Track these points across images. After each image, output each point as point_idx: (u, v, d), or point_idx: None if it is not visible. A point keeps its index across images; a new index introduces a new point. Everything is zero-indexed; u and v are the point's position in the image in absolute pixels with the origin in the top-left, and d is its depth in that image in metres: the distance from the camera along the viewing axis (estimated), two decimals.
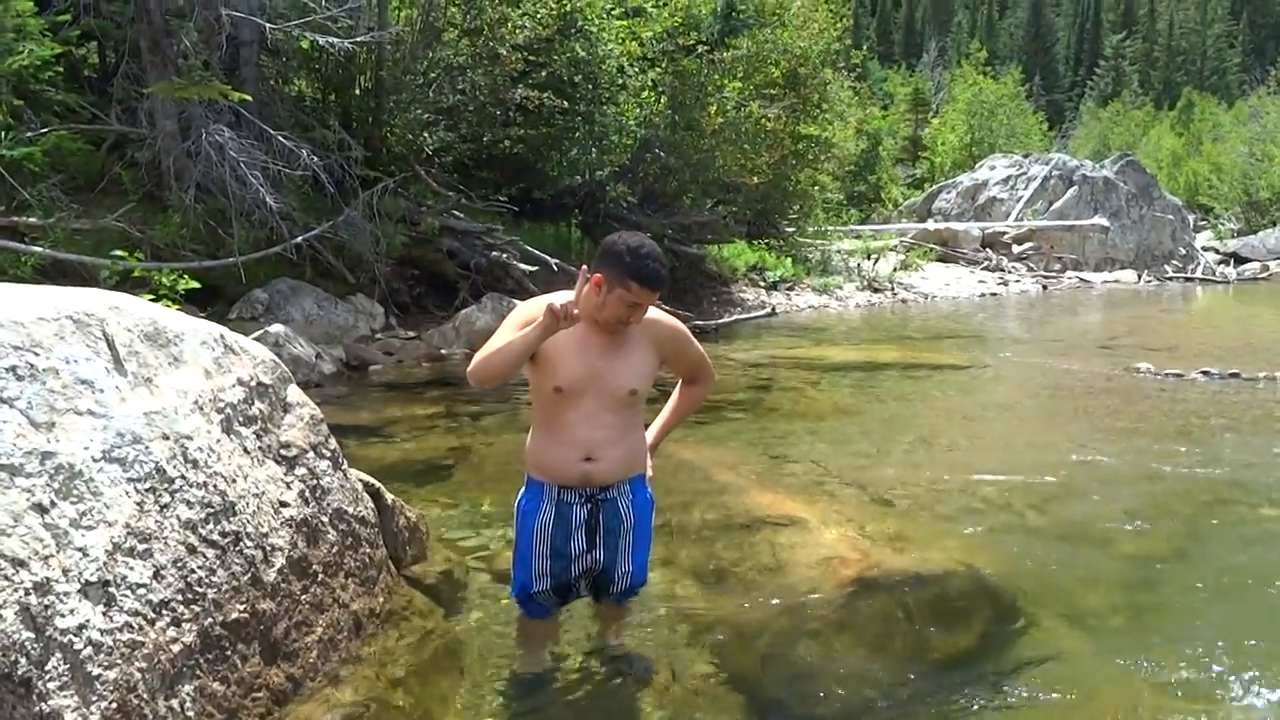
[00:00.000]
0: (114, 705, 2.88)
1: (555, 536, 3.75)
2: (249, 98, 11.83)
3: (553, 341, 3.50)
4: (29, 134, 11.09)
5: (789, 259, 22.49)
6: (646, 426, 4.01)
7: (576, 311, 3.37)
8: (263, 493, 3.71)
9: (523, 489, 3.85)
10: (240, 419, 3.80)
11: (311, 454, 4.11)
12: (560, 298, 3.37)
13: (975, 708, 3.73)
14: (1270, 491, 6.76)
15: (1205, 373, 11.14)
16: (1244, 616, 4.73)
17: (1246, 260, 36.54)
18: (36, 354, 3.19)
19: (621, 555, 3.82)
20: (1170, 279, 30.09)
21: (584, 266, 3.58)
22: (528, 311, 3.61)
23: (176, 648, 3.12)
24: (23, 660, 2.76)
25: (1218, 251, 38.74)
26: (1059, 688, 3.90)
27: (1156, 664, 4.15)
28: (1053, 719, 3.67)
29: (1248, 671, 4.11)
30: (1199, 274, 31.34)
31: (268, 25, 12.19)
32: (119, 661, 2.94)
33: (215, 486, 3.49)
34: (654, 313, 3.75)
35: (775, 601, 4.68)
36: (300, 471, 3.99)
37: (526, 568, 3.82)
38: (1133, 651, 4.28)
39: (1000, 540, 5.65)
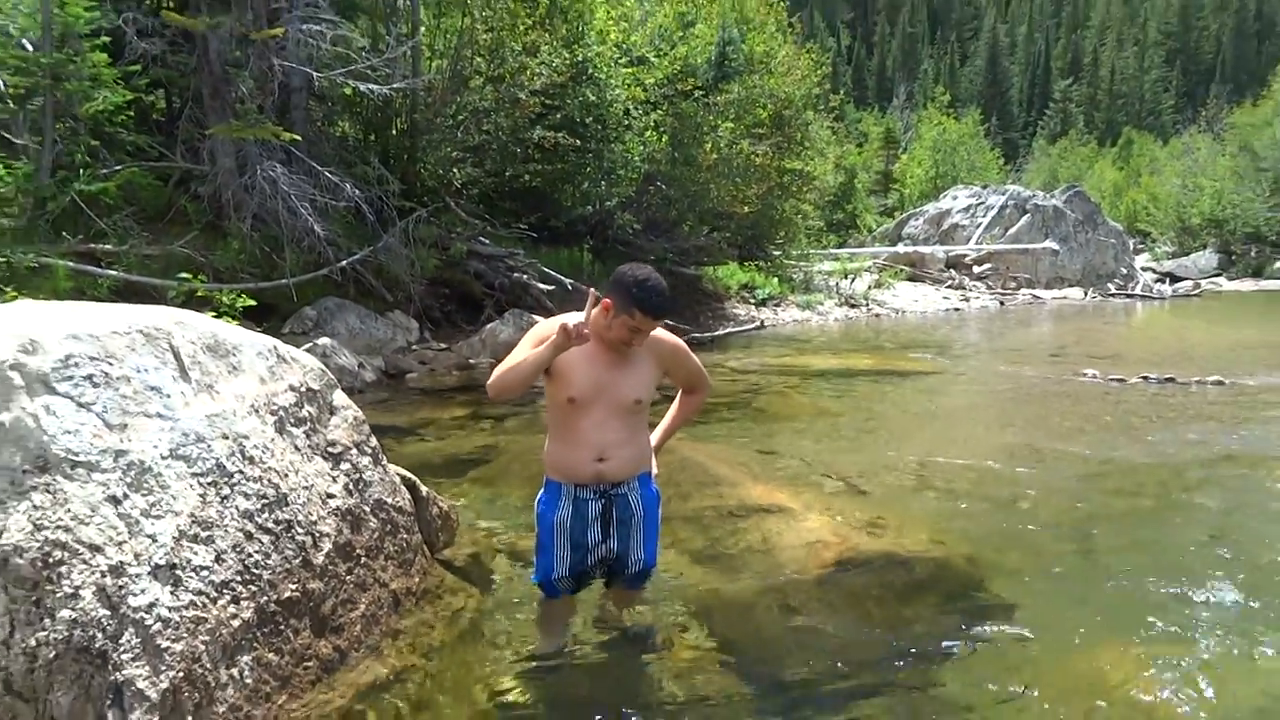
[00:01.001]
0: (180, 674, 2.88)
1: (574, 530, 3.75)
2: (298, 138, 11.86)
3: (566, 357, 3.50)
4: (104, 171, 11.13)
5: (775, 278, 22.48)
6: (652, 429, 4.01)
7: (587, 331, 3.38)
8: (312, 485, 3.71)
9: (542, 490, 3.84)
10: (292, 420, 3.80)
11: (355, 451, 4.11)
12: (573, 319, 3.37)
13: (941, 670, 3.72)
14: (1198, 475, 6.78)
15: (1145, 377, 11.12)
16: (1176, 579, 4.74)
17: (1180, 279, 36.51)
18: (111, 364, 3.19)
19: (634, 543, 3.81)
20: (1113, 296, 30.04)
21: (592, 289, 3.57)
22: (543, 330, 3.61)
23: (236, 623, 3.12)
24: (99, 635, 2.76)
25: (1155, 271, 38.73)
26: (1016, 650, 3.90)
27: (1102, 626, 4.16)
28: (1011, 677, 3.66)
29: (1178, 625, 4.14)
30: (1138, 291, 31.29)
31: (315, 74, 12.21)
32: (185, 635, 2.93)
33: (269, 480, 3.48)
34: (656, 331, 3.75)
35: (765, 579, 4.68)
36: (345, 466, 3.99)
37: (549, 557, 3.81)
38: (1079, 615, 4.28)
39: (963, 524, 5.64)
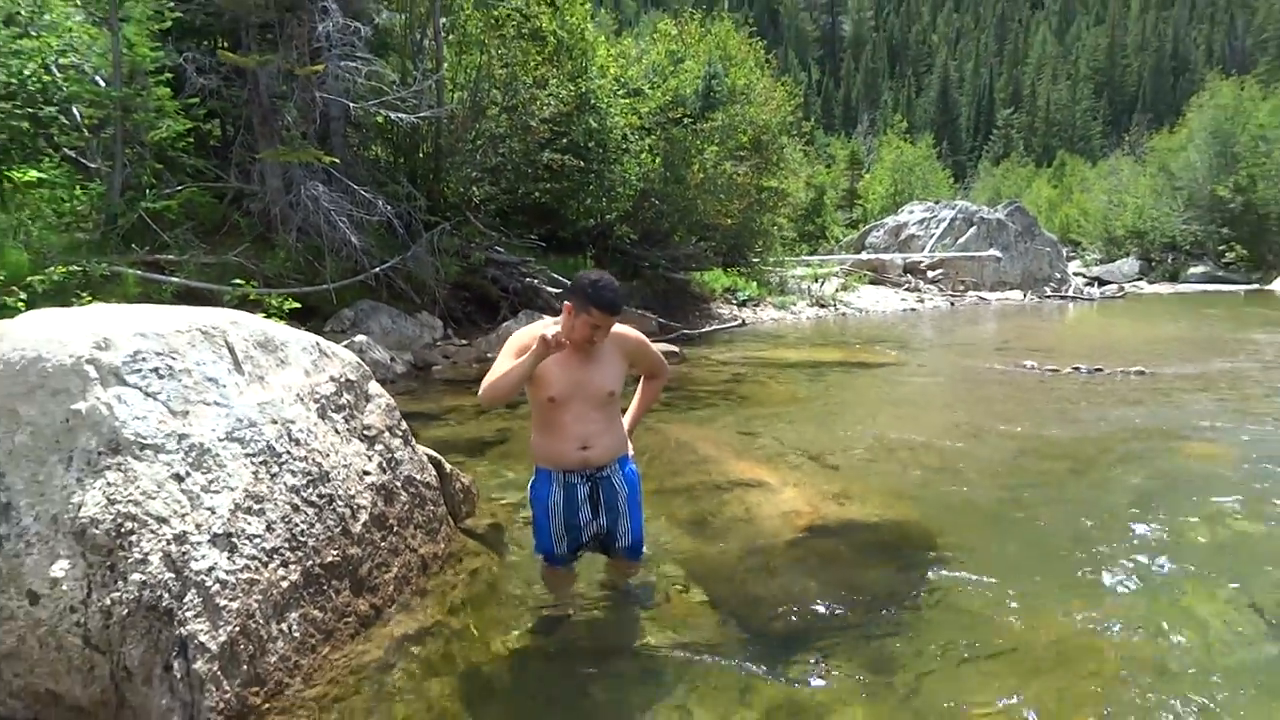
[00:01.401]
0: (237, 629, 2.88)
1: (566, 512, 3.72)
2: (337, 160, 11.85)
3: (543, 362, 3.47)
4: (168, 191, 11.13)
5: (755, 282, 22.45)
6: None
7: (565, 340, 3.37)
8: (350, 464, 3.70)
9: (533, 478, 3.82)
10: (332, 407, 3.79)
11: (387, 434, 4.10)
12: (551, 330, 3.35)
13: (902, 621, 3.73)
14: (1122, 450, 6.78)
15: (1076, 368, 11.12)
16: (1105, 538, 4.77)
17: (1107, 283, 36.51)
18: (174, 358, 3.19)
19: (621, 518, 3.78)
20: (1048, 297, 30.02)
21: (567, 304, 3.55)
22: (521, 339, 3.57)
23: (285, 584, 3.12)
24: (166, 595, 2.76)
25: (1085, 276, 38.71)
26: (967, 602, 3.91)
27: (1042, 579, 4.18)
28: (963, 626, 3.67)
29: (1108, 576, 4.17)
30: (1070, 294, 31.27)
31: (351, 105, 12.21)
32: (240, 595, 2.94)
33: (313, 459, 3.48)
34: (620, 329, 3.74)
35: (747, 544, 4.68)
36: (379, 447, 3.99)
37: (546, 538, 3.79)
38: (1022, 570, 4.30)
39: (919, 493, 5.65)
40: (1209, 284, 36.62)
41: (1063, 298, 30.16)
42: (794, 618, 3.80)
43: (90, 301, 7.68)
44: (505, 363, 3.52)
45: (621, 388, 3.74)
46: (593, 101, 15.60)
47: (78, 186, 10.21)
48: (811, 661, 3.38)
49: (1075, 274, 37.76)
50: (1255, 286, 35.15)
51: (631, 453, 3.93)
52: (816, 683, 3.21)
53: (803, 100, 26.24)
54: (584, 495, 3.73)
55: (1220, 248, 39.34)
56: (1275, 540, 4.82)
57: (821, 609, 3.88)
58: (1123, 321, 21.59)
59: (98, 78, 10.84)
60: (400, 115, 12.64)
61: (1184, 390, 9.69)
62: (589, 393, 3.63)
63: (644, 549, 4.00)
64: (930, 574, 4.28)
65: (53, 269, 8.60)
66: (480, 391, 3.54)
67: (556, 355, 3.47)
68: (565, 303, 3.56)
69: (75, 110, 10.75)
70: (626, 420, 4.03)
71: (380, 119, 13.61)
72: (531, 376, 3.51)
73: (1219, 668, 3.36)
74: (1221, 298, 30.27)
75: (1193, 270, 39.38)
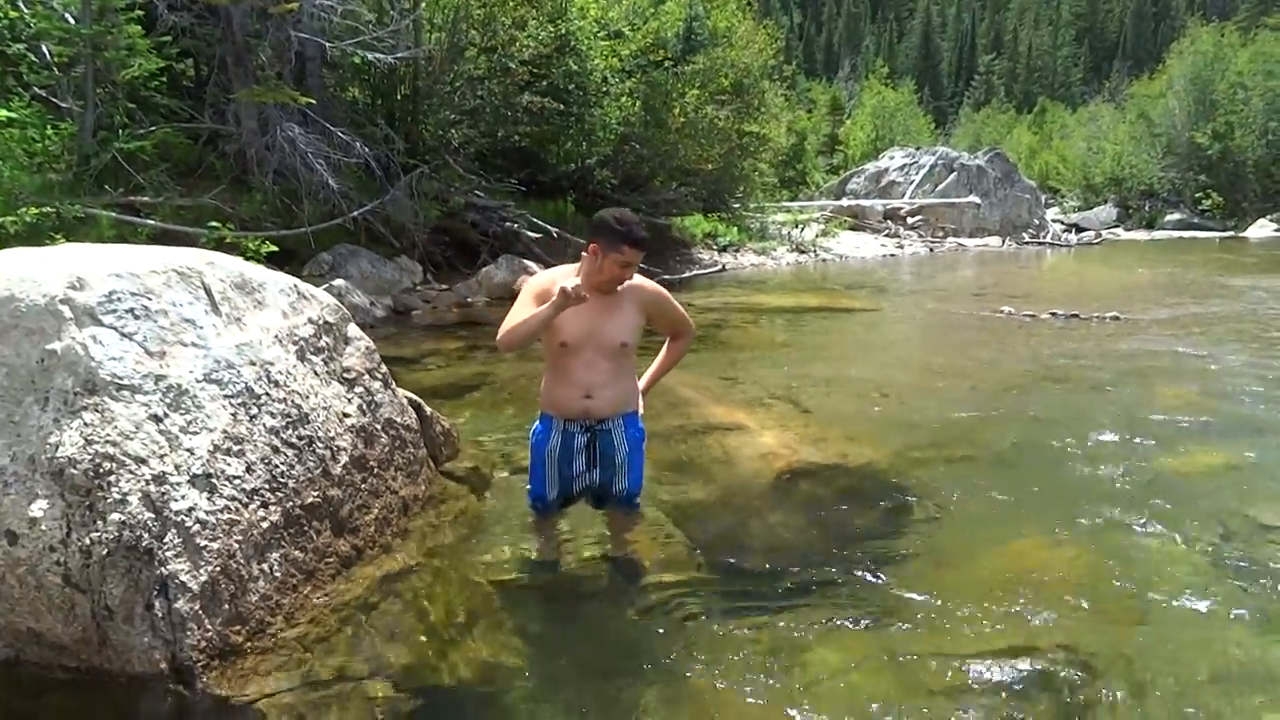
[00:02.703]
0: (218, 569, 2.88)
1: (561, 459, 3.73)
2: (313, 101, 11.65)
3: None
4: (141, 131, 10.91)
5: (735, 228, 22.35)
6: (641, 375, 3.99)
7: (585, 293, 3.34)
8: (330, 406, 3.69)
9: (536, 420, 3.82)
10: (311, 349, 3.76)
11: (367, 377, 4.08)
12: (570, 281, 3.33)
13: (877, 558, 3.77)
14: (1097, 391, 6.86)
15: (1053, 313, 11.19)
16: (1078, 473, 4.85)
17: (1084, 229, 36.59)
18: (150, 299, 3.14)
19: (618, 474, 3.78)
20: (1026, 244, 30.11)
21: (593, 245, 3.51)
22: (540, 284, 3.57)
23: (265, 525, 3.11)
24: (146, 535, 2.75)
25: (1063, 223, 38.77)
26: (944, 543, 3.96)
27: (1014, 515, 4.23)
28: (941, 565, 3.71)
29: (1088, 514, 4.21)
30: (1048, 240, 31.39)
31: (327, 44, 12.00)
32: (221, 535, 2.93)
33: (292, 401, 3.46)
34: (639, 279, 3.72)
35: (726, 486, 4.72)
36: (359, 390, 3.97)
37: (540, 482, 3.80)
38: (996, 507, 4.36)
39: (894, 436, 5.68)
40: (1185, 231, 36.83)
41: (1040, 244, 30.27)
42: (773, 559, 3.83)
43: (64, 243, 7.56)
44: (524, 309, 3.50)
45: (636, 341, 3.71)
46: (572, 43, 15.36)
47: (49, 126, 10.00)
48: (791, 602, 3.41)
49: (1053, 221, 37.84)
50: (1230, 234, 35.38)
51: (641, 410, 3.90)
52: (795, 622, 3.25)
53: (784, 44, 25.97)
54: (580, 445, 3.72)
55: (1197, 195, 39.49)
56: (1240, 473, 4.89)
57: (800, 550, 3.92)
58: (1099, 268, 21.70)
59: (67, 14, 10.56)
60: (377, 56, 12.44)
61: (1158, 334, 9.78)
62: (601, 341, 3.61)
63: (638, 501, 4.00)
64: (908, 514, 4.32)
65: (25, 210, 8.44)
66: (498, 337, 3.53)
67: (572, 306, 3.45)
68: (591, 244, 3.54)
69: (44, 48, 10.48)
70: (644, 379, 4.01)
71: (357, 59, 13.39)
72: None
73: (1184, 596, 3.42)
74: (1197, 244, 30.46)
75: (1169, 217, 39.57)
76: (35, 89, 10.61)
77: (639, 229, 3.52)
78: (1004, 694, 2.79)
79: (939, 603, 3.37)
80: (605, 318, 3.61)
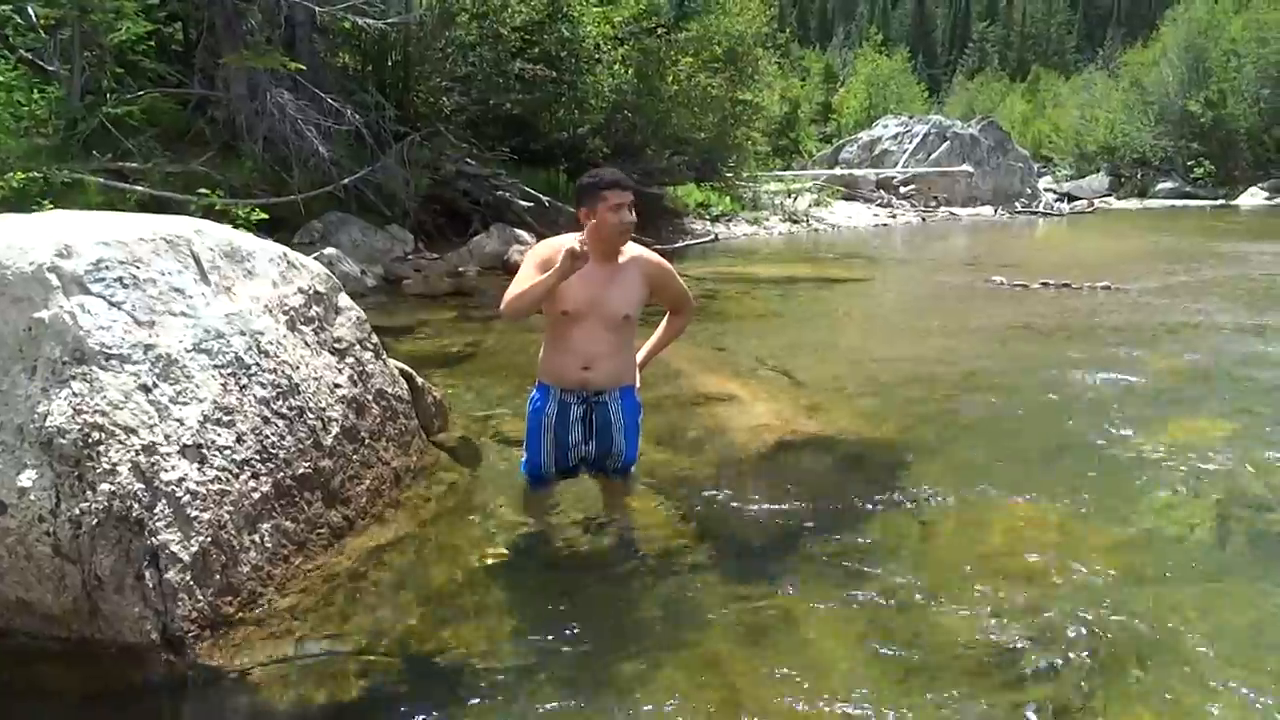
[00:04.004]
0: (209, 539, 2.87)
1: (558, 429, 3.73)
2: (304, 67, 11.51)
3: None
4: (129, 96, 10.77)
5: (728, 197, 22.22)
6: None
7: (588, 250, 3.32)
8: (320, 376, 3.66)
9: (534, 389, 3.81)
10: (301, 319, 3.73)
11: (358, 347, 4.06)
12: (573, 239, 3.31)
13: (869, 531, 3.77)
14: (1087, 361, 6.78)
15: (1044, 283, 11.16)
16: (1073, 447, 4.81)
17: (1077, 198, 36.51)
18: (138, 267, 3.11)
19: (613, 446, 3.80)
20: (1019, 213, 30.02)
21: (583, 210, 3.51)
22: (544, 252, 3.56)
23: (256, 495, 3.10)
24: (136, 505, 2.74)
25: (1055, 192, 38.66)
26: (936, 515, 3.95)
27: (1006, 487, 4.21)
28: (932, 537, 3.72)
29: (1082, 484, 4.19)
30: (1041, 209, 31.30)
31: (317, 9, 11.83)
32: (211, 506, 2.92)
33: (283, 372, 3.44)
34: (644, 251, 3.71)
35: (718, 457, 4.71)
36: (349, 360, 3.95)
37: (536, 452, 3.81)
38: (986, 479, 4.33)
39: (887, 407, 5.67)
40: (1177, 200, 36.73)
41: (1033, 213, 30.20)
42: (766, 531, 3.83)
43: (51, 209, 7.48)
44: (527, 273, 3.49)
45: (638, 313, 3.71)
46: (564, 10, 15.20)
47: (35, 89, 9.87)
48: (784, 576, 3.41)
49: (1046, 190, 37.75)
50: (1222, 202, 35.30)
51: (639, 385, 3.89)
52: (788, 597, 3.24)
53: (778, 11, 25.73)
54: (576, 416, 3.72)
55: (1189, 163, 39.36)
56: (1235, 440, 4.89)
57: (793, 521, 3.91)
58: (1091, 237, 21.68)
59: None
60: (368, 21, 12.28)
61: (1148, 304, 9.78)
62: (604, 312, 3.59)
63: (633, 471, 4.02)
64: (900, 485, 4.32)
65: (11, 175, 8.34)
66: (502, 305, 3.54)
67: (578, 269, 3.43)
68: (581, 210, 3.57)
69: (30, 9, 10.31)
70: (642, 352, 4.00)
71: (347, 25, 13.21)
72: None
73: (1183, 565, 3.43)
74: (1189, 213, 30.41)
75: (1161, 186, 39.44)
76: (21, 51, 10.46)
77: (611, 172, 3.60)
78: (1000, 671, 2.79)
79: (933, 577, 3.36)
80: (609, 288, 3.59)
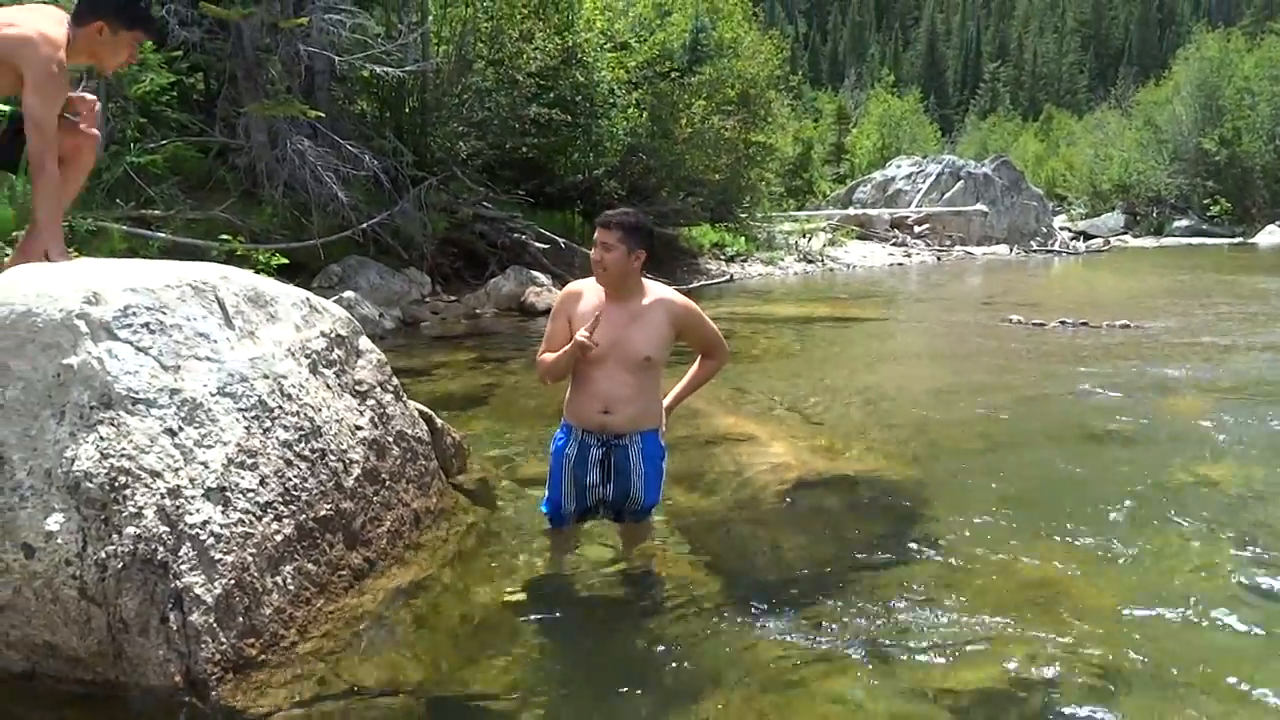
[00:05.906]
0: (232, 581, 2.89)
1: (577, 469, 3.70)
2: (323, 115, 11.71)
3: (583, 316, 3.55)
4: (152, 145, 10.96)
5: (743, 237, 22.35)
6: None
7: (596, 342, 3.45)
8: (342, 419, 3.70)
9: (559, 428, 3.81)
10: (323, 362, 3.77)
11: (379, 389, 4.09)
12: (583, 333, 3.45)
13: (886, 572, 3.76)
14: (1108, 404, 6.80)
15: (1062, 322, 11.17)
16: (1089, 488, 4.79)
17: (1092, 237, 36.60)
18: (164, 313, 3.16)
19: (633, 490, 3.70)
20: (1034, 252, 30.07)
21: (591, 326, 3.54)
22: (561, 299, 3.77)
23: (279, 538, 3.12)
24: (161, 548, 2.76)
25: (1070, 230, 38.75)
26: (956, 557, 3.92)
27: (1031, 533, 4.18)
28: (952, 581, 3.69)
29: (1102, 528, 4.17)
30: (1056, 248, 31.36)
31: (336, 58, 12.04)
32: (235, 548, 2.94)
33: (305, 414, 3.47)
34: (670, 293, 3.71)
35: (737, 497, 4.72)
36: (370, 402, 3.98)
37: (557, 490, 3.78)
38: (1005, 521, 4.31)
39: (905, 447, 5.67)
40: (1193, 238, 36.73)
41: (1048, 252, 30.23)
42: (785, 573, 3.83)
43: (77, 257, 7.59)
44: (553, 333, 3.68)
45: (662, 356, 3.66)
46: (579, 55, 15.43)
47: None
48: (802, 619, 3.39)
49: (1061, 228, 37.79)
50: (1239, 240, 35.28)
51: (664, 429, 3.81)
52: (806, 641, 3.22)
53: (790, 54, 26.00)
54: (595, 458, 3.67)
55: (1205, 201, 39.40)
56: (1256, 483, 4.86)
57: (812, 563, 3.90)
58: (1108, 275, 21.66)
59: None
60: (386, 69, 12.48)
61: (1168, 343, 9.75)
62: (624, 353, 3.56)
63: (651, 514, 3.95)
64: (918, 526, 4.30)
65: None
66: (539, 372, 3.75)
67: (599, 309, 3.53)
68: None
69: None
70: (669, 396, 3.89)
71: (365, 73, 13.43)
72: (571, 329, 3.59)
73: (1204, 608, 3.40)
74: (1206, 251, 30.37)
75: (1177, 224, 39.47)
76: None
77: (613, 210, 3.66)
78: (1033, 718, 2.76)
79: (952, 621, 3.33)
80: (630, 329, 3.57)
